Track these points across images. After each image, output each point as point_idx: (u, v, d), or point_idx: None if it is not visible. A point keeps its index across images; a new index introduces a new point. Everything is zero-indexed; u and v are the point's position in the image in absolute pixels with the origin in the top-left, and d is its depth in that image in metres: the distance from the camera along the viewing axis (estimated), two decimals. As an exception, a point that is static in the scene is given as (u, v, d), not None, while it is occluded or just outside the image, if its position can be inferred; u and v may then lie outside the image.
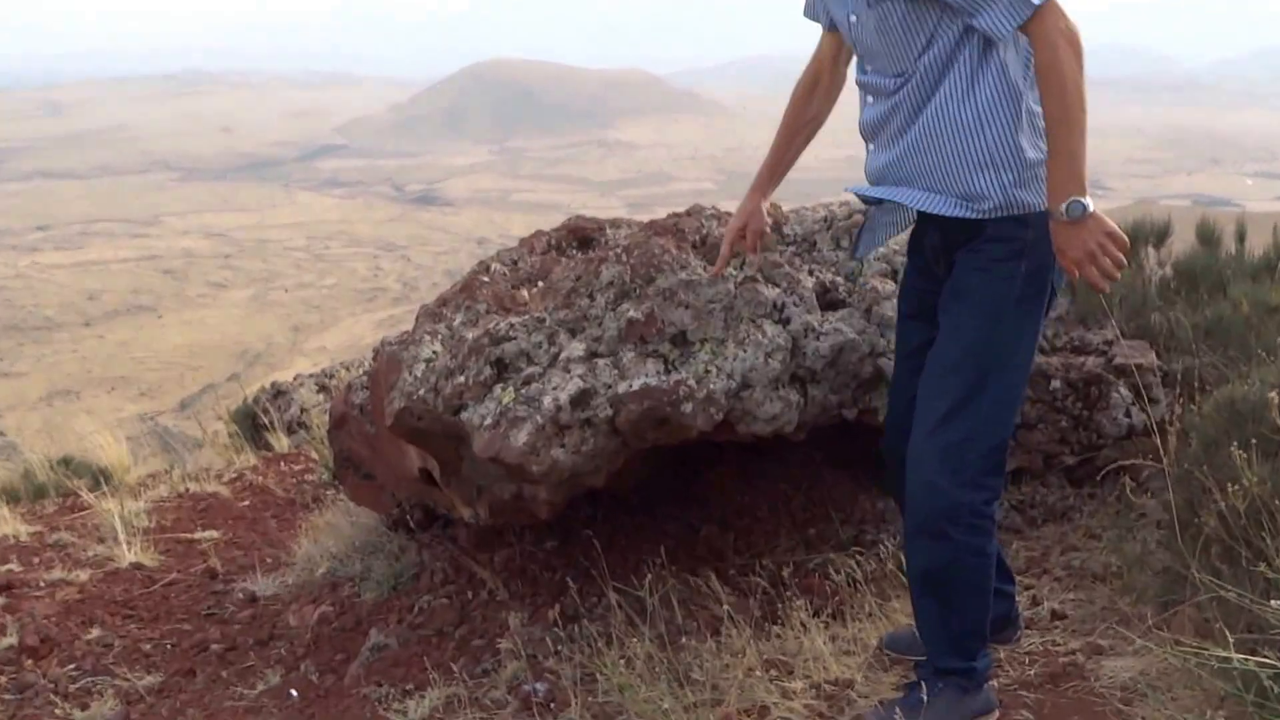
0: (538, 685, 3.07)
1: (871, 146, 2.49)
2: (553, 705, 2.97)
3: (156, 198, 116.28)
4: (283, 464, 7.37)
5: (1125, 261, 2.22)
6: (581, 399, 2.95)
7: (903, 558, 3.13)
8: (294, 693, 3.58)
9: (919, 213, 2.48)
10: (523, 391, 3.02)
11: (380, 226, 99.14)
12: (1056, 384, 3.64)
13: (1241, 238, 4.93)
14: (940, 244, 2.45)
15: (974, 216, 2.31)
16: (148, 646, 4.24)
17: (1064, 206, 2.17)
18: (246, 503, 6.42)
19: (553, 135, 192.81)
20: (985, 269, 2.33)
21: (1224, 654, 2.05)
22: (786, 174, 2.86)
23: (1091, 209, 2.17)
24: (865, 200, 2.61)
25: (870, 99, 2.46)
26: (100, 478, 7.09)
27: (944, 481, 2.31)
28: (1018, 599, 2.85)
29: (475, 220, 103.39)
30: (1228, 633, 2.07)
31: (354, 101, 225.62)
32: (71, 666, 4.06)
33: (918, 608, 2.52)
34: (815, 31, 2.71)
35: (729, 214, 3.71)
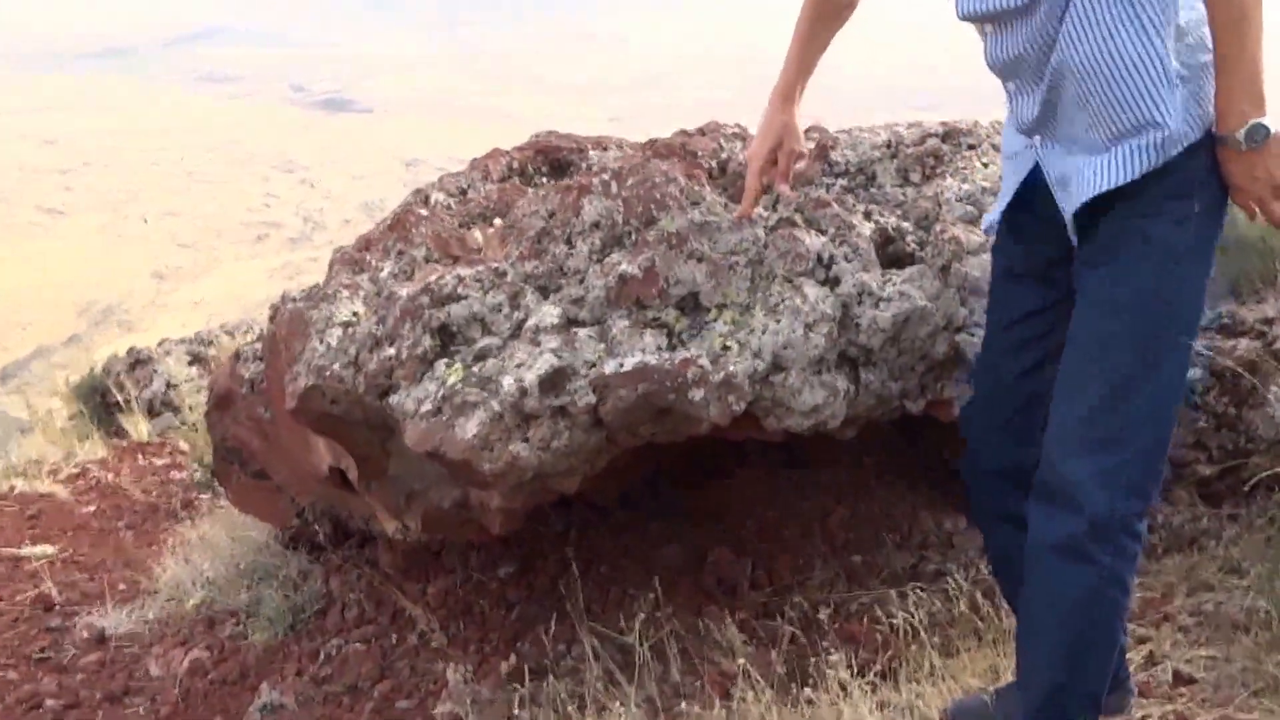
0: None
1: (1012, 87, 2.50)
2: (508, 791, 2.99)
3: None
4: (141, 456, 7.35)
5: None
6: (554, 381, 2.93)
7: (978, 596, 3.15)
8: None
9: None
10: (475, 370, 3.01)
11: (275, 138, 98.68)
12: (1197, 372, 3.65)
13: None
14: None
15: (1151, 163, 2.30)
16: (-42, 701, 4.24)
17: (1242, 132, 2.19)
18: (92, 508, 6.40)
19: (514, 21, 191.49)
20: (1151, 212, 2.34)
21: None
22: (812, 74, 2.87)
23: (1276, 131, 2.19)
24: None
25: (990, 28, 2.46)
26: (-111, 471, 7.08)
27: (1097, 486, 2.32)
28: (1128, 654, 2.86)
29: (405, 133, 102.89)
30: None
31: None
32: None
33: (1028, 658, 2.52)
34: None
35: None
